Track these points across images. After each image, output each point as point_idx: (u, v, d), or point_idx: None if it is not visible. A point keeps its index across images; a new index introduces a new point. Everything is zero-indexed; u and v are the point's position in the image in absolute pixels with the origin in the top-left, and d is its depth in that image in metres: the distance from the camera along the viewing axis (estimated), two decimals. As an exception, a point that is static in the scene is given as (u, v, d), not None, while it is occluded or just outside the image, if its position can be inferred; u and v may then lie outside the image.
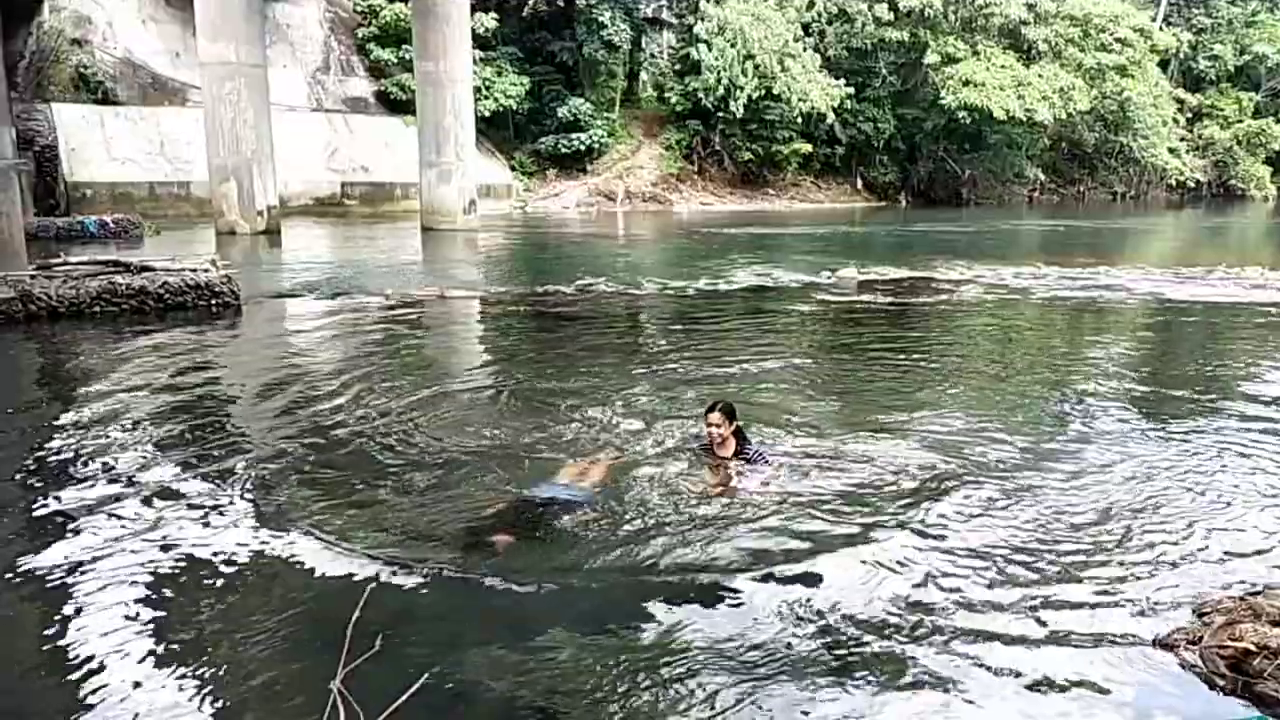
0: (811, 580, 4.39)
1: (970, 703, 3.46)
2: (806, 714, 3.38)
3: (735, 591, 4.25)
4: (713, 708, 3.40)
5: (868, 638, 3.89)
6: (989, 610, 4.13)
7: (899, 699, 3.48)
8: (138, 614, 4.06)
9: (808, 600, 4.19)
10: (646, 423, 6.84)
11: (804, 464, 5.96)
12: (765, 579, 4.37)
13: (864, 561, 4.58)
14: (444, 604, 4.08)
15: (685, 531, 4.81)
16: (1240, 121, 50.14)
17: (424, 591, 4.16)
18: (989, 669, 3.68)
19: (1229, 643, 3.59)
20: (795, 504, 5.24)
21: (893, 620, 4.04)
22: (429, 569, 4.36)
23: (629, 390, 7.89)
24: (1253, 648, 3.53)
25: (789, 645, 3.82)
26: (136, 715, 3.35)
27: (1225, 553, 4.76)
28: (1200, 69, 50.13)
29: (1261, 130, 49.45)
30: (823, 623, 4.01)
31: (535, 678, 3.57)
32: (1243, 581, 4.39)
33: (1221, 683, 3.51)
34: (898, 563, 4.58)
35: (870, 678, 3.61)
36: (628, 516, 4.99)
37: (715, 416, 5.66)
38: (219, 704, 3.41)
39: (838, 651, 3.79)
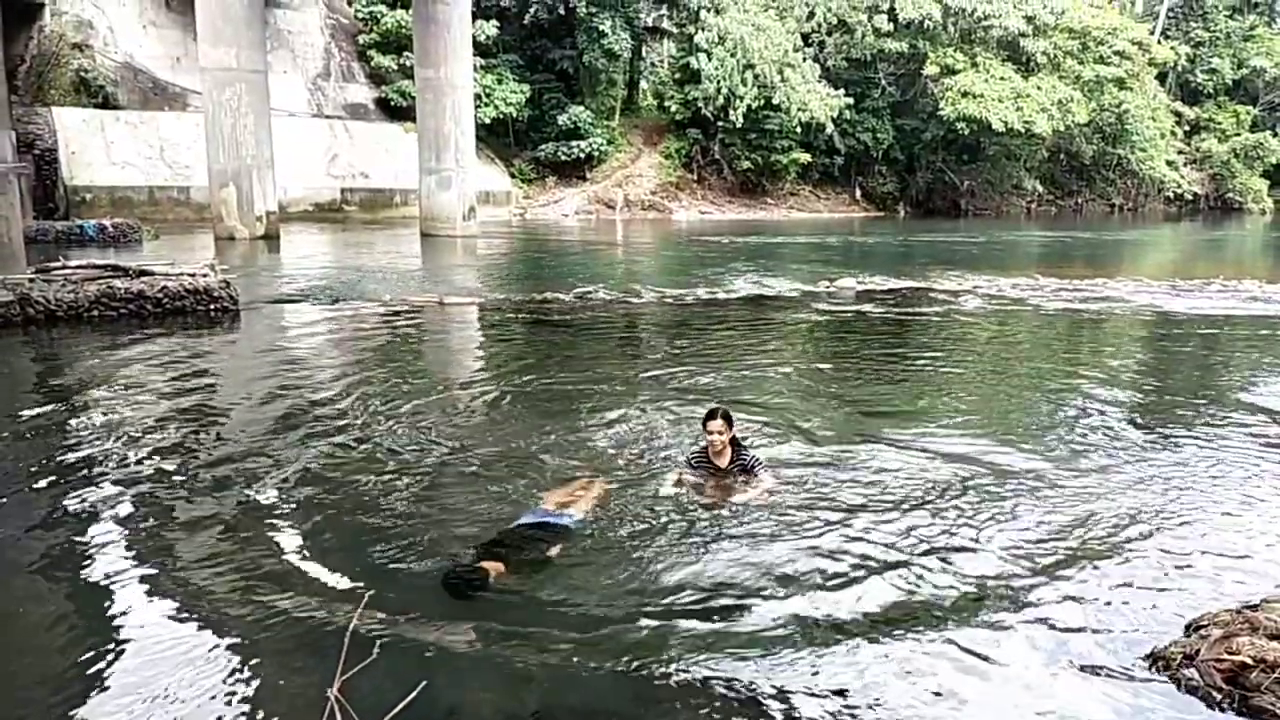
0: (814, 593, 4.38)
1: (963, 715, 3.46)
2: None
3: (739, 610, 4.21)
4: None
5: (870, 647, 3.89)
6: (983, 622, 4.13)
7: (896, 711, 3.48)
8: (129, 621, 4.04)
9: (808, 611, 4.19)
10: (644, 434, 6.82)
11: (803, 473, 5.96)
12: (768, 597, 4.34)
13: (864, 570, 4.57)
14: (437, 622, 4.04)
15: (686, 551, 4.76)
16: (1238, 135, 50.42)
17: (416, 609, 4.12)
18: (981, 681, 3.67)
19: (1225, 656, 3.58)
20: (797, 516, 5.23)
21: (891, 629, 4.03)
22: (421, 589, 4.32)
23: (627, 400, 7.89)
24: (1249, 661, 3.52)
25: (792, 662, 3.81)
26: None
27: (1222, 565, 4.75)
28: (1198, 82, 50.39)
29: (1259, 144, 49.70)
30: (824, 630, 4.01)
31: (529, 690, 3.56)
32: (1241, 590, 4.39)
33: (1218, 697, 3.51)
34: (893, 572, 4.57)
35: (866, 691, 3.60)
36: (625, 537, 4.91)
37: (717, 424, 5.58)
38: (213, 712, 3.40)
39: (840, 658, 3.78)
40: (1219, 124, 50.89)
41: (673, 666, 3.71)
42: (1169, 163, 46.92)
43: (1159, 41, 45.97)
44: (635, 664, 3.72)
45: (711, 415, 5.65)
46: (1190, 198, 49.99)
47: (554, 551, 4.59)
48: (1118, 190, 48.89)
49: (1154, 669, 3.73)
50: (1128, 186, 48.87)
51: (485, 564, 4.31)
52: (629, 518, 5.15)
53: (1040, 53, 39.84)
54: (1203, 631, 3.86)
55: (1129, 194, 49.19)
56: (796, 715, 3.44)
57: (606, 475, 5.78)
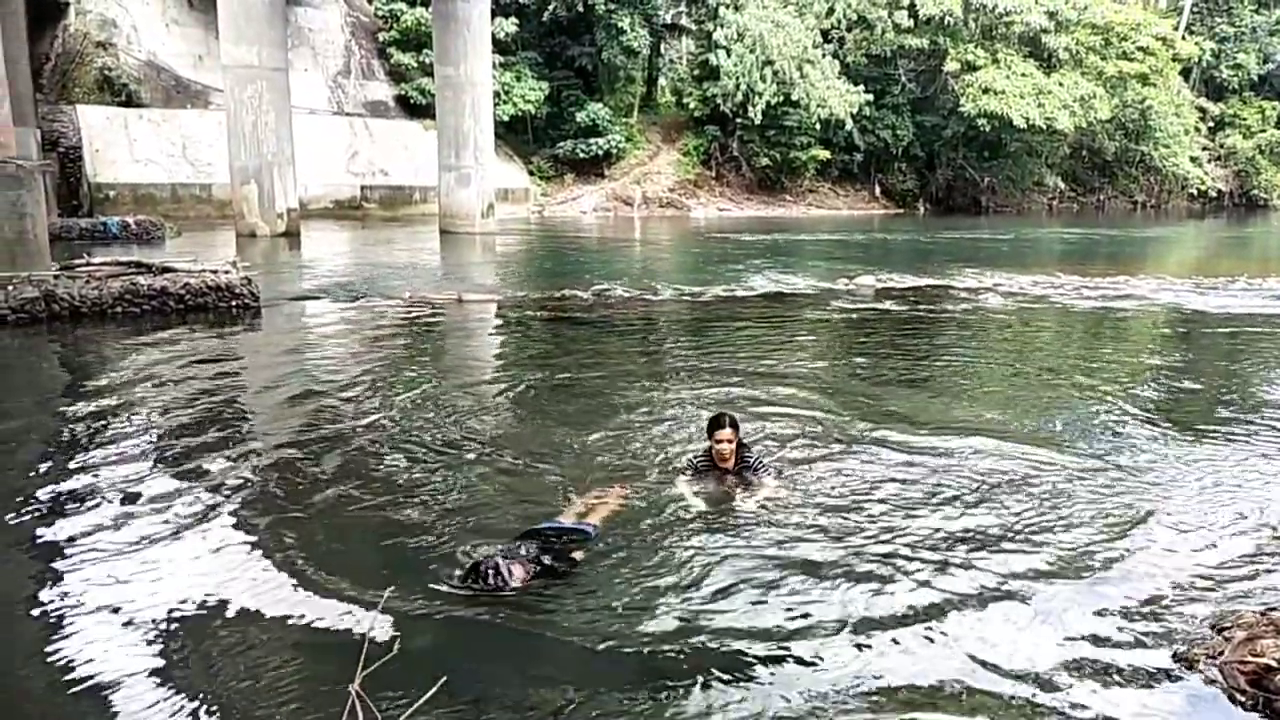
0: (827, 593, 4.37)
1: (986, 716, 3.44)
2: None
3: (754, 614, 4.20)
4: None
5: (884, 644, 3.88)
6: (1004, 621, 4.11)
7: (914, 709, 3.47)
8: (149, 617, 4.08)
9: (823, 611, 4.18)
10: (661, 436, 6.78)
11: (817, 471, 5.95)
12: (782, 599, 4.33)
13: (878, 569, 4.56)
14: (457, 620, 4.05)
15: (700, 556, 4.71)
16: (1263, 131, 49.81)
17: (437, 607, 4.13)
18: (1002, 680, 3.65)
19: (1250, 658, 3.55)
20: (807, 516, 5.20)
21: (909, 627, 4.02)
22: (442, 586, 4.33)
23: (644, 398, 7.89)
24: (1274, 663, 3.49)
25: (808, 661, 3.81)
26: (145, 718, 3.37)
27: (1247, 567, 4.71)
28: (1223, 78, 49.79)
29: (1285, 140, 49.07)
30: (837, 630, 4.00)
31: (549, 690, 3.57)
32: (1266, 592, 4.35)
33: (1241, 699, 3.48)
34: (911, 571, 4.55)
35: (879, 691, 3.59)
36: (641, 542, 4.85)
37: (727, 433, 5.52)
38: (236, 707, 3.43)
39: (851, 659, 3.78)
40: (1244, 120, 50.29)
41: (691, 669, 3.70)
42: (1193, 159, 46.41)
43: (1183, 37, 45.43)
44: (654, 667, 3.72)
45: (719, 424, 5.58)
46: (1214, 194, 49.45)
47: (579, 556, 4.55)
48: (1141, 187, 48.45)
49: (1178, 670, 3.70)
50: (1151, 183, 48.42)
51: (509, 564, 4.28)
52: (645, 523, 5.11)
53: (1062, 48, 39.47)
54: (1226, 633, 3.83)
55: (1152, 191, 48.74)
56: (815, 712, 3.44)
57: (623, 482, 5.71)
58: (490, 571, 4.22)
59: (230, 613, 4.11)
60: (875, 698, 3.54)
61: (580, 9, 34.14)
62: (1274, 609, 4.01)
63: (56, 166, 22.44)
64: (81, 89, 25.53)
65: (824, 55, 36.12)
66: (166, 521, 5.09)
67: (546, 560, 4.41)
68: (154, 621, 4.03)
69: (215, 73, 24.02)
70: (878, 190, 42.53)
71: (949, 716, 3.43)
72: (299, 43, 29.25)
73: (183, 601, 4.21)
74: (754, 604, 4.23)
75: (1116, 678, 3.69)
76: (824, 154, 38.10)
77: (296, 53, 28.04)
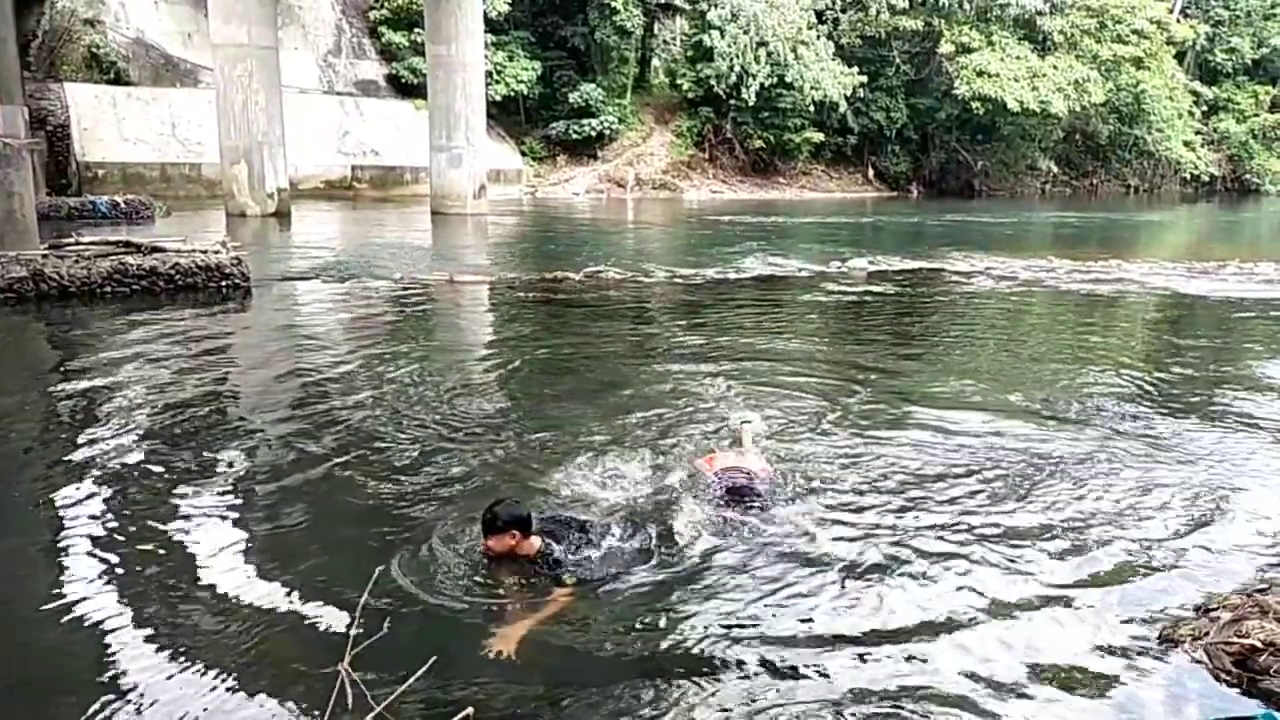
0: (821, 582, 4.39)
1: (970, 698, 3.46)
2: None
3: (746, 605, 4.23)
4: (710, 708, 3.41)
5: (863, 627, 3.90)
6: (990, 603, 4.13)
7: (899, 692, 3.49)
8: (136, 598, 4.07)
9: (816, 601, 4.20)
10: (652, 418, 6.75)
11: (809, 457, 5.97)
12: (775, 591, 4.35)
13: (872, 555, 4.58)
14: (449, 600, 4.04)
15: (701, 561, 4.55)
16: (1256, 115, 49.71)
17: (427, 586, 4.13)
18: (989, 662, 3.68)
19: (1235, 639, 3.58)
20: (803, 518, 5.16)
21: (891, 610, 4.04)
22: (432, 566, 4.33)
23: (635, 381, 7.89)
24: (1259, 644, 3.52)
25: (799, 645, 3.83)
26: (137, 697, 3.37)
27: (1233, 549, 4.74)
28: (1217, 61, 49.62)
29: (1278, 124, 48.99)
30: (830, 621, 4.02)
31: (539, 670, 3.57)
32: (1251, 574, 4.38)
33: (1227, 679, 3.51)
34: (898, 554, 4.57)
35: (865, 675, 3.61)
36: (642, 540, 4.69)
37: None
38: (224, 686, 3.43)
39: (833, 645, 3.80)
40: (1238, 104, 50.18)
41: (689, 662, 3.69)
42: (1186, 143, 46.32)
43: (1178, 20, 45.25)
44: (647, 657, 3.71)
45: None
46: (1207, 179, 49.41)
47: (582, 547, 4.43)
48: (1134, 171, 48.39)
49: (1163, 650, 3.73)
50: (1144, 167, 48.34)
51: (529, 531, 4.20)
52: (647, 520, 4.96)
53: (1057, 31, 39.32)
54: (1212, 614, 3.86)
55: (1145, 175, 48.67)
56: (813, 697, 3.46)
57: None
58: (512, 518, 4.14)
59: (217, 590, 4.11)
60: (855, 683, 3.56)
61: (573, -12, 33.86)
62: (1259, 591, 4.04)
63: (44, 145, 22.22)
64: (69, 66, 25.26)
65: (818, 36, 35.90)
66: (154, 500, 5.07)
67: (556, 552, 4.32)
68: (141, 599, 4.02)
69: (204, 51, 23.78)
70: (871, 173, 42.41)
71: (942, 699, 3.46)
72: (289, 21, 28.96)
73: (170, 579, 4.21)
74: (757, 604, 4.18)
75: (1101, 659, 3.71)
76: (817, 136, 37.94)
77: (286, 31, 27.77)
